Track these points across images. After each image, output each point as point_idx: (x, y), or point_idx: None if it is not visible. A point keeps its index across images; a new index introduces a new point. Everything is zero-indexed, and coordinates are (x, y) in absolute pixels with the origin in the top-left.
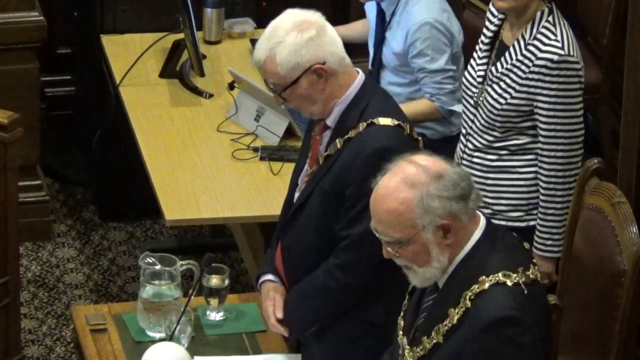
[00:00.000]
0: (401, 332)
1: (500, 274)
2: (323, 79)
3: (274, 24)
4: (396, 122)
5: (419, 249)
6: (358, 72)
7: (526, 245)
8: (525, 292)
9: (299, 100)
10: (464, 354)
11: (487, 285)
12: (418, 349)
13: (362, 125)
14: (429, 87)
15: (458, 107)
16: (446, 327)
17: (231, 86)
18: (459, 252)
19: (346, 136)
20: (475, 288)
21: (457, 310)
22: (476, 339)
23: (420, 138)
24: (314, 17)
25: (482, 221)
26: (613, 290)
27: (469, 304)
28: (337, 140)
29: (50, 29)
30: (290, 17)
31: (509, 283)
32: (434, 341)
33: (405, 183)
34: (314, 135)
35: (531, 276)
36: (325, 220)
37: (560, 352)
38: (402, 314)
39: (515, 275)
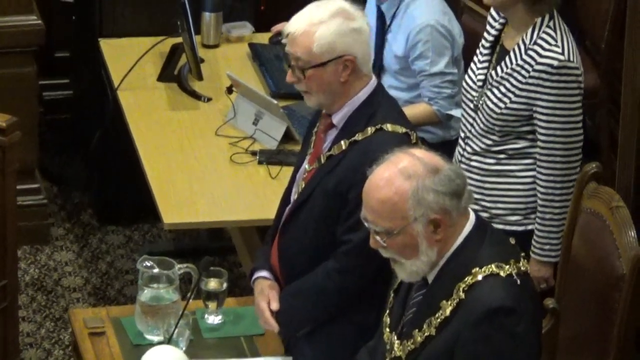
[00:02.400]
0: (388, 329)
1: (493, 265)
2: (347, 73)
3: (319, 3)
4: (404, 130)
5: (408, 241)
6: (371, 78)
7: (512, 240)
8: (519, 282)
9: (316, 83)
10: (458, 345)
11: (480, 276)
12: (408, 343)
13: (370, 130)
14: (427, 91)
15: (456, 112)
16: (439, 320)
17: (229, 90)
18: (450, 247)
19: (352, 138)
20: (469, 280)
21: (449, 303)
22: (472, 329)
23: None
24: (359, 14)
25: (472, 215)
26: (611, 294)
27: (462, 295)
28: (342, 141)
29: (49, 32)
30: (338, 3)
31: (502, 274)
32: (426, 334)
33: (401, 173)
34: (318, 132)
35: (522, 268)
36: (325, 221)
37: (559, 355)
38: (387, 311)
39: (507, 266)
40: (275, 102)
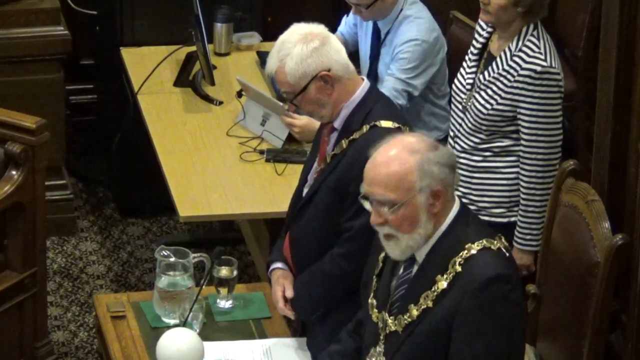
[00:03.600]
0: (376, 310)
1: (484, 240)
2: (329, 85)
3: (282, 38)
4: (396, 125)
5: (410, 213)
6: (363, 79)
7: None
8: (507, 254)
9: (309, 105)
10: (458, 314)
11: (474, 250)
12: (405, 317)
13: (365, 128)
14: (386, 90)
15: None
16: (435, 293)
17: (239, 94)
18: (441, 224)
19: (351, 137)
20: (464, 254)
21: (445, 277)
22: (471, 298)
23: None
24: (318, 29)
25: (457, 200)
26: (587, 280)
27: (459, 268)
28: (342, 141)
29: (75, 42)
30: (297, 30)
31: (494, 248)
32: (423, 307)
33: (406, 150)
34: (323, 136)
35: (505, 244)
36: (330, 214)
37: (539, 337)
38: (371, 294)
39: (495, 241)
40: (281, 104)
